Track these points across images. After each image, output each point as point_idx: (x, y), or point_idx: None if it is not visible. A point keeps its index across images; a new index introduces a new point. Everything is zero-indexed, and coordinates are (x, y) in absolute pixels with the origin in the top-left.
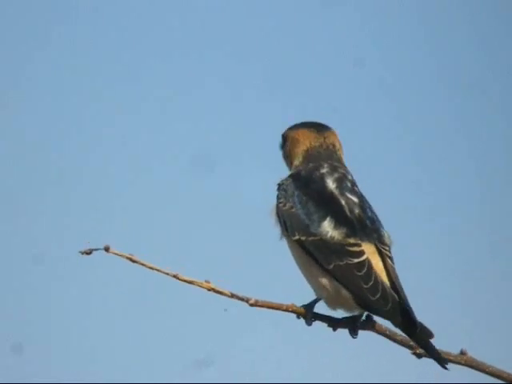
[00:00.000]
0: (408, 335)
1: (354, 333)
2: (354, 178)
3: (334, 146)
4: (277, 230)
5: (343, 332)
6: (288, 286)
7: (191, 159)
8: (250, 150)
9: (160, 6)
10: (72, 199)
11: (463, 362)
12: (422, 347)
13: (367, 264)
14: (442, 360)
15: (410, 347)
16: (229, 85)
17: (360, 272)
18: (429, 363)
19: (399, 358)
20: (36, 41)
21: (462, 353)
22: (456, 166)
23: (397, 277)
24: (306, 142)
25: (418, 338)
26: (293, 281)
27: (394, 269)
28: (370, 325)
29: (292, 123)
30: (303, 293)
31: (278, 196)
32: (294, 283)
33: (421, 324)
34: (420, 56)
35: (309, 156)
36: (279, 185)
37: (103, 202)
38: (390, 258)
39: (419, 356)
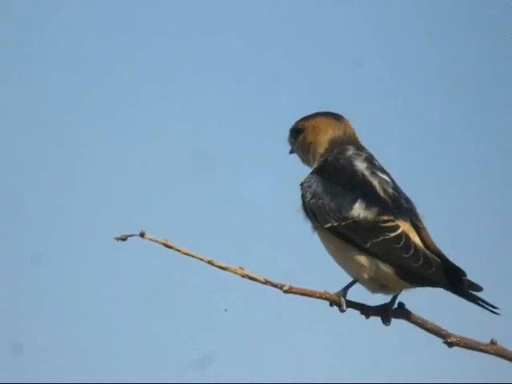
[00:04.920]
0: (456, 293)
1: (386, 320)
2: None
3: (354, 134)
4: (307, 224)
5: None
6: (318, 275)
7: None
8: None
9: (160, 7)
10: (72, 199)
11: (493, 351)
12: (471, 301)
13: (404, 236)
14: (493, 307)
15: (441, 336)
16: (229, 84)
17: (399, 244)
18: (459, 352)
19: (430, 346)
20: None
21: (492, 342)
22: (457, 164)
23: (435, 244)
24: (328, 130)
25: (467, 294)
26: (323, 271)
27: (431, 238)
28: (402, 313)
29: (291, 122)
30: (333, 282)
31: (302, 194)
32: (324, 273)
33: (468, 280)
34: (419, 56)
35: (333, 143)
36: (302, 184)
37: (103, 201)
38: (426, 231)
39: (450, 345)
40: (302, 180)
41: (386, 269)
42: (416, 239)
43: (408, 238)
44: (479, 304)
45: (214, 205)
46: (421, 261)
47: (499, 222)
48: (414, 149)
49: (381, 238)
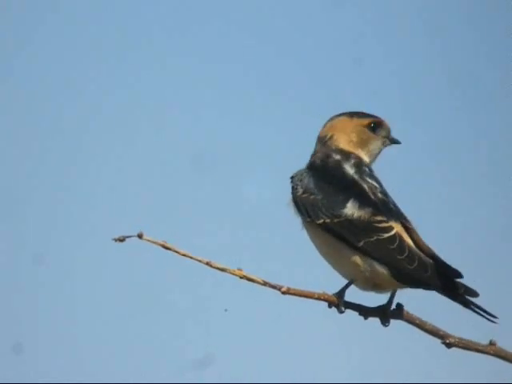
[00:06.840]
0: (451, 297)
1: (385, 321)
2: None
3: (325, 136)
4: (297, 219)
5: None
6: (314, 276)
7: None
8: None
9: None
10: (72, 199)
11: (492, 352)
12: (466, 307)
13: (398, 237)
14: (490, 315)
15: (440, 337)
16: (229, 83)
17: (392, 245)
18: (458, 352)
19: (429, 347)
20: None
21: (491, 343)
22: (457, 163)
23: (428, 246)
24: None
25: (462, 299)
26: (318, 271)
27: (423, 240)
28: (400, 314)
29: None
30: (332, 284)
31: (293, 187)
32: (319, 274)
33: (463, 285)
34: (420, 56)
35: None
36: (292, 177)
37: (102, 201)
38: (417, 233)
39: (449, 345)
40: (292, 174)
41: (380, 269)
42: (409, 241)
43: (402, 239)
44: (475, 311)
45: (212, 205)
46: (416, 263)
47: (497, 220)
48: (414, 149)
49: (374, 238)
